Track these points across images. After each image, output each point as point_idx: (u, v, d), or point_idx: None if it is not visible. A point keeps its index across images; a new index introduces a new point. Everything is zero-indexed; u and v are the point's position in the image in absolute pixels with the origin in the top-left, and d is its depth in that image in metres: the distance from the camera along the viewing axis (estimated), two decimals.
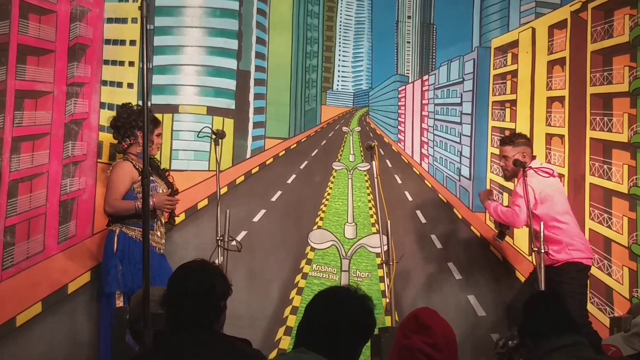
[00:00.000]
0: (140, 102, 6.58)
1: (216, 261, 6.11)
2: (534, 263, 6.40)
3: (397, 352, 3.62)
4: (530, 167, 6.41)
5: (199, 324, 3.74)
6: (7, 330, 6.66)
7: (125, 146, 6.45)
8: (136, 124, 6.37)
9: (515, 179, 6.70)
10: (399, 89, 8.12)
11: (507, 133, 7.28)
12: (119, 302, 6.18)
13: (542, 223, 6.31)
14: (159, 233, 6.40)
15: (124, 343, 4.81)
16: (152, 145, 6.41)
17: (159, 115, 7.19)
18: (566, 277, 6.51)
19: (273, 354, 7.04)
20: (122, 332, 4.87)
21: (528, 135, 7.18)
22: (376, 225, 7.63)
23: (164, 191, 6.44)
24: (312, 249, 7.62)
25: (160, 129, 6.55)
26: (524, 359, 4.22)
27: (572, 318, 4.17)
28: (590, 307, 7.49)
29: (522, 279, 7.33)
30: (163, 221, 6.49)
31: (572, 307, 6.49)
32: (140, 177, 6.24)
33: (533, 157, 6.76)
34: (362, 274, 7.61)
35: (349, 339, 3.25)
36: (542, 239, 6.18)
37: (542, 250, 6.15)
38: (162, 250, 6.43)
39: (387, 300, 5.97)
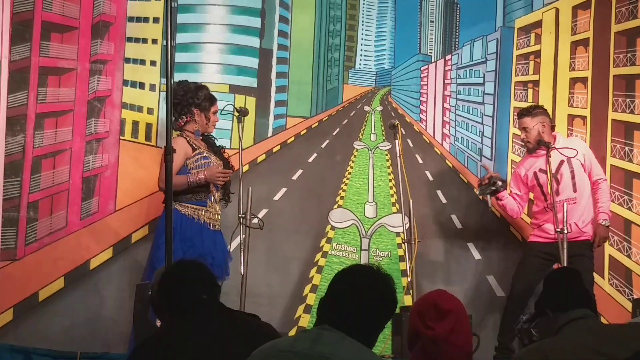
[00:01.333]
0: (183, 80, 6.51)
1: (237, 239, 6.09)
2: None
3: (421, 344, 3.57)
4: (554, 148, 6.40)
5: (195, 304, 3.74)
6: (30, 304, 6.70)
7: (182, 123, 6.36)
8: (193, 102, 6.31)
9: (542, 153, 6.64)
10: (422, 69, 8.05)
11: None
12: None
13: (565, 204, 6.29)
14: (213, 210, 6.32)
15: (147, 319, 4.79)
16: (209, 122, 6.36)
17: None
18: (590, 252, 6.62)
19: (292, 332, 7.03)
20: (144, 308, 4.84)
21: (551, 117, 7.11)
22: (396, 204, 7.59)
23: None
24: (333, 228, 7.58)
25: (216, 107, 6.46)
26: (539, 331, 4.21)
27: (589, 294, 4.18)
28: (609, 289, 7.45)
29: None
30: (218, 198, 6.40)
31: (590, 281, 6.53)
32: (193, 153, 6.23)
33: (552, 127, 6.75)
34: (382, 253, 7.58)
35: (372, 317, 3.22)
36: (565, 219, 6.15)
37: (565, 231, 6.13)
38: (217, 227, 6.34)
39: (409, 279, 5.94)
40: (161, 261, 6.03)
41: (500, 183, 6.78)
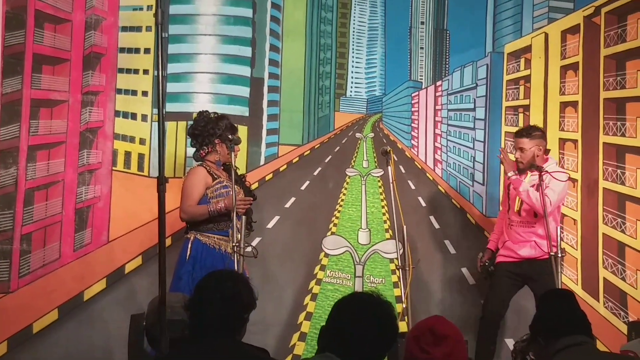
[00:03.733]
0: (211, 111, 6.50)
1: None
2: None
3: None
4: (547, 172, 6.40)
5: (221, 332, 3.71)
6: (24, 337, 6.68)
7: (203, 154, 6.37)
8: (213, 132, 6.31)
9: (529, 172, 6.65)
10: (413, 95, 8.08)
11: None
12: None
13: (558, 228, 6.31)
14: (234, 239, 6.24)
15: (141, 350, 4.77)
16: (229, 152, 6.32)
17: (173, 123, 7.18)
18: (550, 269, 6.50)
19: None
20: (138, 338, 4.83)
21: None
22: (389, 230, 7.59)
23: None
24: (326, 255, 7.59)
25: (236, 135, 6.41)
26: (535, 355, 4.19)
27: (584, 318, 4.13)
28: (604, 312, 7.45)
29: None
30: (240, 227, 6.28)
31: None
32: (214, 183, 6.21)
33: (547, 150, 6.73)
34: (376, 280, 7.57)
35: (374, 345, 3.25)
36: (558, 243, 6.15)
37: (560, 255, 6.13)
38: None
39: (404, 305, 5.93)
40: (184, 292, 5.94)
41: (492, 268, 6.84)
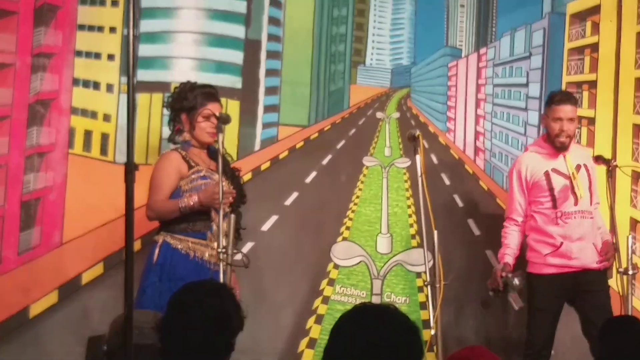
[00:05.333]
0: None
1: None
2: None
3: None
4: (617, 166, 6.41)
5: None
6: None
7: (176, 135, 6.35)
8: (181, 106, 6.29)
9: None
10: (449, 65, 8.10)
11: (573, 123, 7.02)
12: None
13: (629, 237, 6.30)
14: (214, 244, 6.21)
15: None
16: (195, 130, 6.28)
17: (145, 95, 7.18)
18: (607, 285, 6.66)
19: None
20: None
21: (611, 127, 7.16)
22: (417, 237, 7.60)
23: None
24: (336, 266, 7.63)
25: (208, 108, 6.27)
26: None
27: None
28: None
29: None
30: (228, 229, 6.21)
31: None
32: (189, 172, 6.18)
33: None
34: (399, 299, 7.60)
35: None
36: (630, 257, 6.16)
37: (630, 272, 6.13)
38: (217, 267, 6.05)
39: (433, 332, 5.93)
40: (149, 308, 5.95)
41: (517, 282, 6.75)
